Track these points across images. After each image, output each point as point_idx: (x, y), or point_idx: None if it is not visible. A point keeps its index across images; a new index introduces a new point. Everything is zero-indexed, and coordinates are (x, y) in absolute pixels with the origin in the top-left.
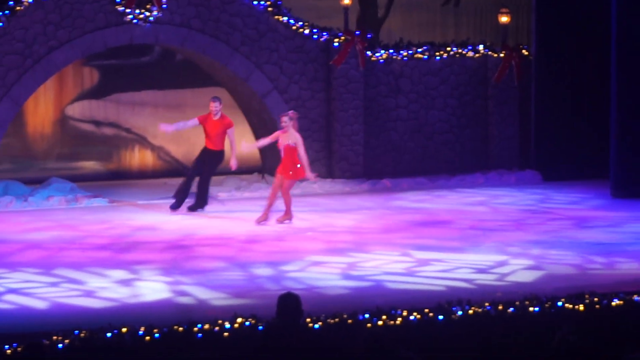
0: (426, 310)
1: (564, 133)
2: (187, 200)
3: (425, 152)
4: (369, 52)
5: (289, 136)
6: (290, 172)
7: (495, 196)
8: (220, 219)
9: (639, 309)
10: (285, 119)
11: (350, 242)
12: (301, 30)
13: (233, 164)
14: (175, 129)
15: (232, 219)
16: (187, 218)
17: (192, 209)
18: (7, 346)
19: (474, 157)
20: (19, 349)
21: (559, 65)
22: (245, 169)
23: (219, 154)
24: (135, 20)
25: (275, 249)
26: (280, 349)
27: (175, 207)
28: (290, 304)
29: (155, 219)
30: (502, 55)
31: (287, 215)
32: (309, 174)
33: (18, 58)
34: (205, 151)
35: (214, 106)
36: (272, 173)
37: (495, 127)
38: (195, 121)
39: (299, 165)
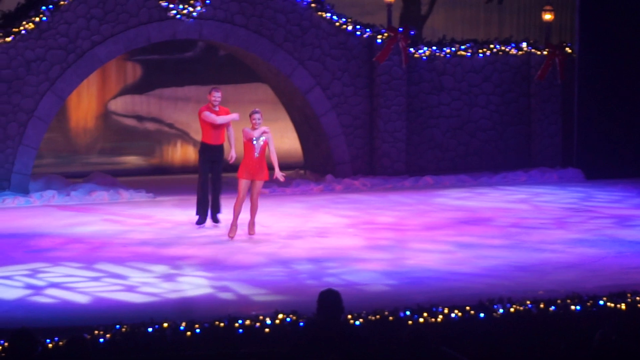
0: (467, 307)
1: (606, 131)
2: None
3: (467, 150)
4: (412, 49)
5: (259, 133)
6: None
7: (537, 194)
8: (261, 215)
9: None
10: (258, 116)
11: (391, 238)
12: (344, 26)
13: (233, 156)
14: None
15: (273, 215)
16: (229, 214)
17: (217, 220)
18: (48, 340)
19: (517, 155)
20: (61, 343)
21: (603, 63)
22: (286, 165)
23: (222, 148)
24: (178, 16)
25: (316, 245)
26: (321, 346)
27: (201, 222)
28: (331, 300)
29: None
30: (545, 53)
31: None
32: (279, 173)
33: (61, 53)
34: (209, 149)
35: (218, 96)
36: (314, 169)
37: (537, 124)
38: (214, 118)
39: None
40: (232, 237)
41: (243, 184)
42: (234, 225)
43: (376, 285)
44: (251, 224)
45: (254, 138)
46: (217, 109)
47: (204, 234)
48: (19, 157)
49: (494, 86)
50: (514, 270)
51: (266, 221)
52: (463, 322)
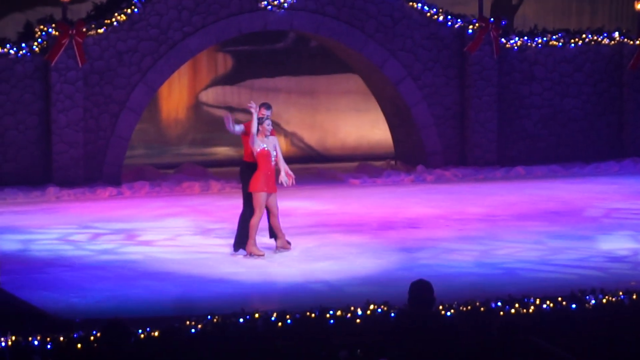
0: (559, 298)
1: None
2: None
3: (559, 140)
4: (503, 39)
5: (272, 140)
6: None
7: (629, 184)
8: (353, 205)
9: None
10: (268, 121)
11: (482, 229)
12: (435, 17)
13: (286, 179)
14: (232, 123)
15: (364, 206)
16: (320, 204)
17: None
18: (140, 330)
19: (609, 145)
20: (153, 333)
21: None
22: (377, 156)
23: None
24: (269, 7)
25: (407, 235)
26: (412, 336)
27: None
28: (422, 291)
29: (289, 205)
30: (638, 42)
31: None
32: (285, 175)
33: (153, 44)
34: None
35: (267, 114)
36: (405, 159)
37: (630, 114)
38: (241, 127)
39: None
40: (262, 254)
41: (263, 197)
42: (255, 241)
43: (467, 276)
44: (284, 238)
45: (271, 149)
46: None
47: (295, 225)
48: (111, 148)
49: (586, 76)
50: (606, 261)
51: (357, 212)
52: (555, 313)
